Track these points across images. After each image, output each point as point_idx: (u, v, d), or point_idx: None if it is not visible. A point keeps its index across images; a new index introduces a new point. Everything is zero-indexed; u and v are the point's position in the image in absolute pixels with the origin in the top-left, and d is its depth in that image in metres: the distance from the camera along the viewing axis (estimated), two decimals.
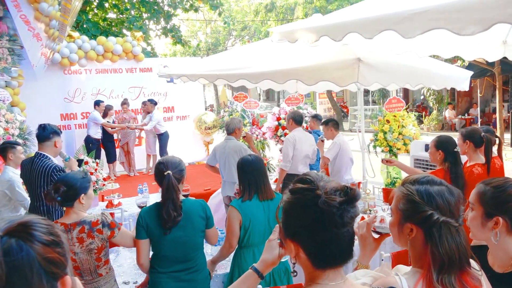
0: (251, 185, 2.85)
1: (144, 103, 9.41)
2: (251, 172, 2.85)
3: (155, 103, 9.29)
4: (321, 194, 1.07)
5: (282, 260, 1.43)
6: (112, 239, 2.55)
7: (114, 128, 9.04)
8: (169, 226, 2.48)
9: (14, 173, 4.19)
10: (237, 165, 2.94)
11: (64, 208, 3.69)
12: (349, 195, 1.08)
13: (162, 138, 9.43)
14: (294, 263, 1.17)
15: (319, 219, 1.07)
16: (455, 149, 3.45)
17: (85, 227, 2.45)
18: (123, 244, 2.70)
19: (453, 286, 1.27)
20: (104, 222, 2.50)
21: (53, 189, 2.47)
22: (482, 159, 3.45)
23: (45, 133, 3.72)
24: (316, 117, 6.86)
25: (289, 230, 1.15)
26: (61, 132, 3.92)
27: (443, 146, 3.52)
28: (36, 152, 3.77)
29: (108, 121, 8.92)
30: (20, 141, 5.97)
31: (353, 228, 1.13)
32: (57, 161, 3.93)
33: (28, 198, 4.15)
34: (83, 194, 2.52)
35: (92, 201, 2.90)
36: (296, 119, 5.29)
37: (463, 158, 3.65)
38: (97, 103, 8.86)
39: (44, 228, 0.91)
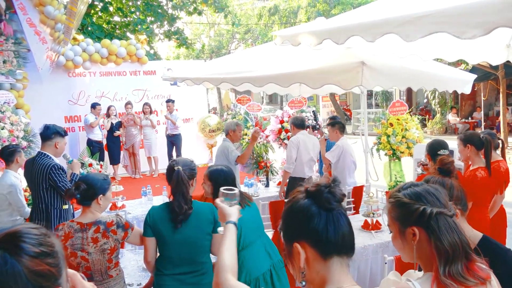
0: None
1: (146, 104, 9.46)
2: (234, 181, 2.91)
3: (173, 101, 9.70)
4: (309, 187, 1.21)
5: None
6: (126, 240, 2.58)
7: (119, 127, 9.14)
8: (180, 219, 2.50)
9: (16, 178, 4.19)
10: (226, 177, 2.90)
11: (64, 207, 3.77)
12: (332, 180, 1.22)
13: (179, 139, 9.65)
14: (303, 273, 1.20)
15: (310, 207, 1.19)
16: (439, 152, 3.44)
17: (100, 227, 2.48)
18: (135, 243, 2.73)
19: (460, 275, 1.27)
20: (118, 223, 2.54)
21: (74, 186, 2.53)
22: (484, 162, 3.45)
23: (48, 132, 3.79)
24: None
25: (292, 233, 1.22)
26: (66, 134, 3.92)
27: (429, 149, 3.55)
28: (38, 151, 3.85)
29: (108, 120, 9.02)
30: (24, 143, 6.01)
31: (347, 215, 1.22)
32: (60, 161, 3.96)
33: (26, 206, 4.18)
34: (101, 195, 2.57)
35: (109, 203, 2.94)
36: (297, 124, 5.33)
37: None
38: (92, 106, 8.90)
39: (33, 239, 0.88)
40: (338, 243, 1.17)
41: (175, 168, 2.55)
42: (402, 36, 2.58)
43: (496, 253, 1.77)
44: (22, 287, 0.82)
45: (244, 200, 2.94)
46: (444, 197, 1.40)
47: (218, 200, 1.73)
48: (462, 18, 2.29)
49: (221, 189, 1.76)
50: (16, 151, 4.28)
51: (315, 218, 1.17)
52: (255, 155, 8.00)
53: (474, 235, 1.89)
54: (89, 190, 2.52)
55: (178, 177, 2.52)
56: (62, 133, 3.86)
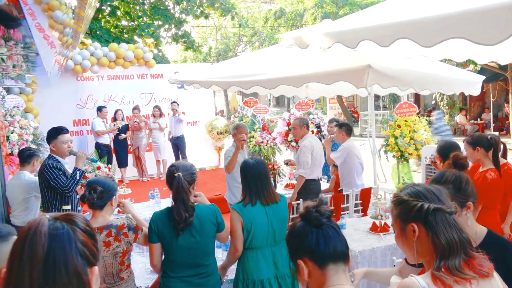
0: (252, 190, 2.81)
1: (156, 107, 9.50)
2: (252, 176, 2.82)
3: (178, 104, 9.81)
4: (300, 212, 1.44)
5: None
6: (137, 242, 2.59)
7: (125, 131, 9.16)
8: (181, 227, 2.48)
9: (30, 177, 4.28)
10: (240, 169, 2.92)
11: (64, 207, 3.80)
12: (318, 200, 1.43)
13: (183, 141, 9.69)
14: (307, 285, 1.40)
15: (304, 227, 1.40)
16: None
17: (112, 231, 2.49)
18: (142, 244, 2.74)
19: (456, 268, 1.29)
20: (129, 225, 2.55)
21: (91, 189, 2.52)
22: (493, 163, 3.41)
23: (46, 138, 3.93)
24: None
25: (294, 252, 1.42)
26: (60, 132, 3.86)
27: (440, 150, 3.51)
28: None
29: (115, 123, 9.05)
30: (33, 146, 6.06)
31: (337, 227, 1.42)
32: (69, 160, 4.05)
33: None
34: (114, 196, 2.60)
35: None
36: (309, 125, 5.34)
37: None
38: (99, 109, 8.93)
39: (83, 220, 1.08)
40: (330, 253, 1.35)
41: (175, 174, 2.51)
42: (420, 42, 2.46)
43: (502, 247, 1.79)
44: (74, 250, 1.00)
45: (269, 198, 2.82)
46: (444, 196, 1.44)
47: None
48: (481, 22, 2.16)
49: None
50: (35, 155, 4.37)
51: (308, 235, 1.37)
52: (262, 158, 8.00)
53: (480, 230, 1.90)
54: (104, 192, 2.54)
55: (178, 184, 2.48)
56: (54, 135, 3.83)
